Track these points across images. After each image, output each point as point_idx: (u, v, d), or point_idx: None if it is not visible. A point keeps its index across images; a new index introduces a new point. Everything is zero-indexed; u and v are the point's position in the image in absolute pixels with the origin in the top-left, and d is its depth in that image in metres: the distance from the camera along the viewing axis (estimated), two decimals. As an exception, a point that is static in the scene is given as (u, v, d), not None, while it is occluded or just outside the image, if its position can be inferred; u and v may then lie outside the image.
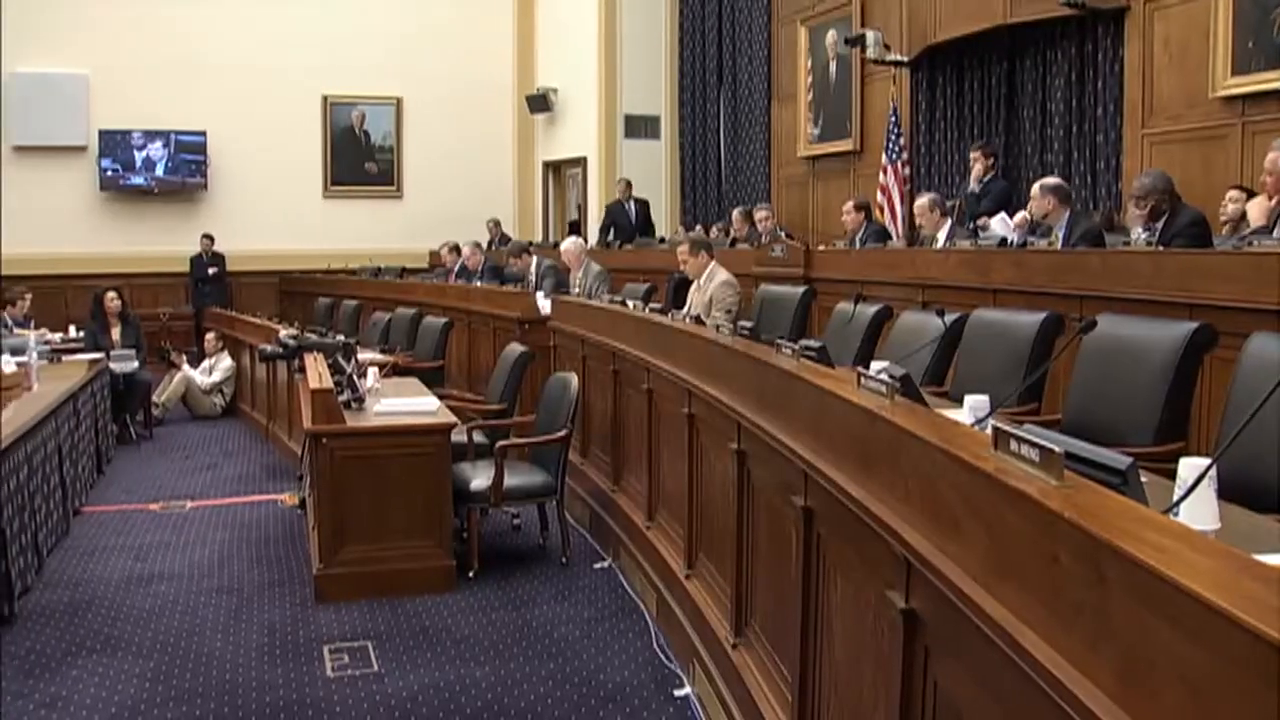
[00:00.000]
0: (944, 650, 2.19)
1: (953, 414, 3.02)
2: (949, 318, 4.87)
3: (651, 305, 6.45)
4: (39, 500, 6.08)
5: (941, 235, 7.93)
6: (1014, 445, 1.96)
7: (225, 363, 11.48)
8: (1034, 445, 1.89)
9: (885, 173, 10.81)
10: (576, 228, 15.31)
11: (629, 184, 13.86)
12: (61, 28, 15.03)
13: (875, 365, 3.47)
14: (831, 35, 12.10)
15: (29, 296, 13.19)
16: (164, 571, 6.06)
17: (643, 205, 13.98)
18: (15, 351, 8.78)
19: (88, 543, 6.67)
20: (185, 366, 11.47)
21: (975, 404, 3.30)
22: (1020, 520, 1.80)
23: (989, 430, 2.13)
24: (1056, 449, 1.83)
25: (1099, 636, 1.54)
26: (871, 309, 5.85)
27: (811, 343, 3.60)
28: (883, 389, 2.69)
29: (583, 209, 15.85)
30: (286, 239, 15.84)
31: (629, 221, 13.60)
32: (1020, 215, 7.76)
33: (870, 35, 10.80)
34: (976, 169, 8.93)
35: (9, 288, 12.87)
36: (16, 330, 12.18)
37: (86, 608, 5.47)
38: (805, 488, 3.07)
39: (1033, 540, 1.75)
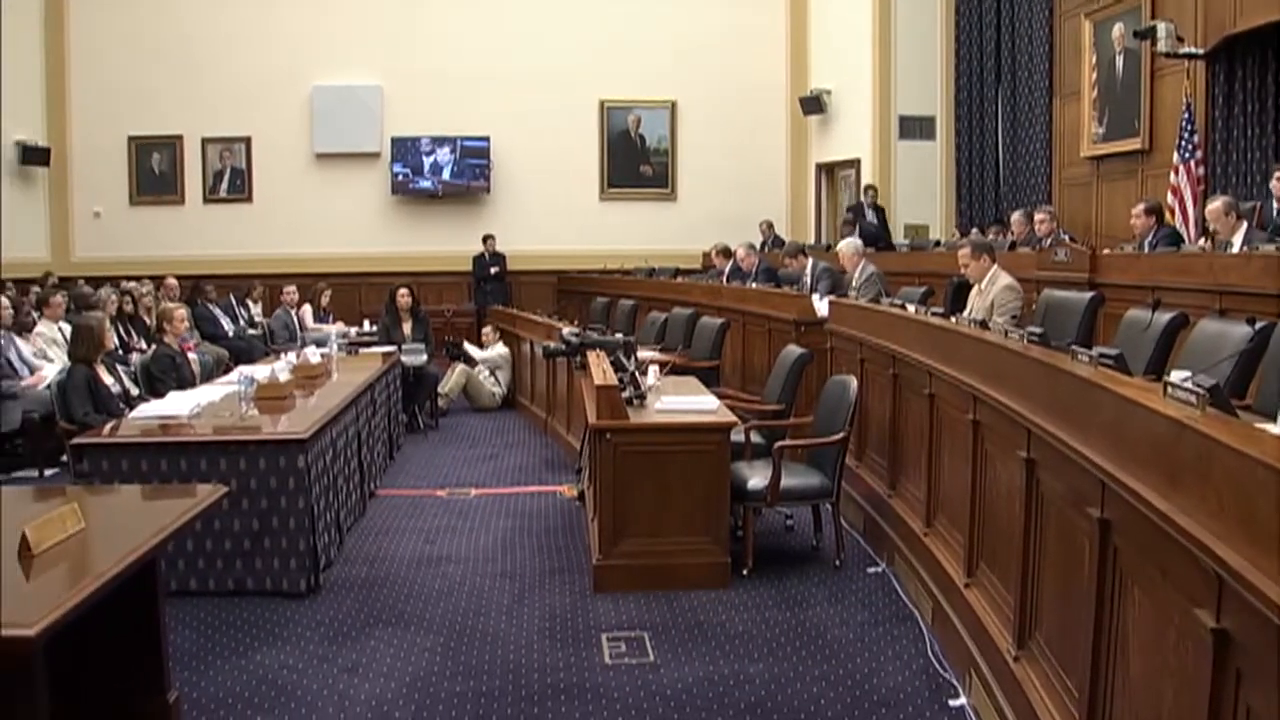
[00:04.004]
0: (1261, 674, 2.11)
1: (1266, 428, 2.87)
2: (1258, 326, 4.61)
3: (932, 309, 6.35)
4: (340, 482, 6.53)
5: (1237, 240, 7.50)
6: (1346, 463, 1.87)
7: (500, 349, 12.02)
8: (1371, 463, 1.79)
9: (1177, 173, 10.27)
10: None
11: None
12: (358, 43, 16.15)
13: (1177, 375, 3.33)
14: (1119, 28, 11.59)
15: (329, 292, 14.15)
16: (451, 554, 6.39)
17: (879, 212, 13.84)
18: (318, 344, 9.47)
19: (381, 523, 7.11)
20: (470, 349, 12.11)
21: (1291, 418, 3.13)
22: (1356, 541, 1.72)
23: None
24: (1397, 468, 1.73)
25: None
26: (1165, 316, 5.59)
27: (1108, 350, 3.49)
28: (1192, 399, 2.59)
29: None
30: (564, 239, 16.44)
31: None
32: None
33: (1162, 27, 10.27)
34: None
35: (313, 284, 13.87)
36: (316, 324, 13.10)
37: (382, 583, 5.84)
38: (1102, 499, 2.99)
39: (1371, 562, 1.67)
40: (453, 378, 11.75)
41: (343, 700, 4.37)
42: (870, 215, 14.12)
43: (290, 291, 13.58)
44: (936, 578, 5.04)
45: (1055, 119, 13.01)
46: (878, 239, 13.47)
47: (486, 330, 12.42)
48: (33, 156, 15.23)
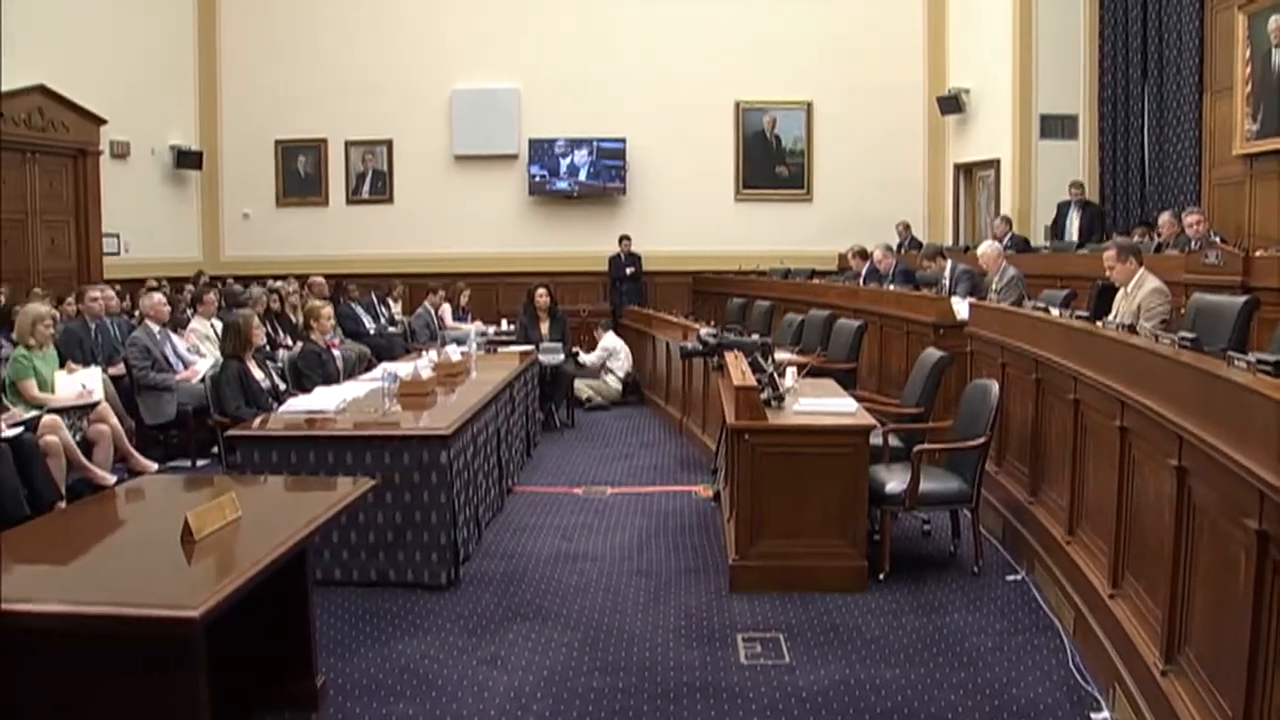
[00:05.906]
0: None
1: None
2: None
3: (1076, 313, 6.21)
4: (480, 478, 6.67)
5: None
6: None
7: (608, 340, 12.32)
8: None
9: (1337, 171, 9.88)
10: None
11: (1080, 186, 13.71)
12: (496, 47, 16.44)
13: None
14: (1274, 20, 11.11)
15: (468, 292, 14.44)
16: (587, 551, 6.48)
17: (1089, 207, 13.56)
18: (458, 342, 9.67)
19: (519, 519, 7.24)
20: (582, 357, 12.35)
21: None
22: None
23: None
24: None
25: None
26: (1325, 322, 5.39)
27: (1266, 356, 3.38)
28: (1359, 409, 2.51)
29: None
30: (699, 240, 16.48)
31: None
32: None
33: (1322, 18, 9.89)
34: None
35: (451, 284, 14.15)
36: (455, 323, 13.36)
37: (519, 579, 5.96)
38: (1260, 509, 2.91)
39: None
40: (599, 384, 12.08)
41: (481, 691, 4.47)
42: (1075, 214, 13.75)
43: (440, 294, 13.86)
44: (1079, 587, 4.93)
45: (1205, 116, 12.53)
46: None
47: (598, 333, 12.75)
48: (186, 160, 15.91)
